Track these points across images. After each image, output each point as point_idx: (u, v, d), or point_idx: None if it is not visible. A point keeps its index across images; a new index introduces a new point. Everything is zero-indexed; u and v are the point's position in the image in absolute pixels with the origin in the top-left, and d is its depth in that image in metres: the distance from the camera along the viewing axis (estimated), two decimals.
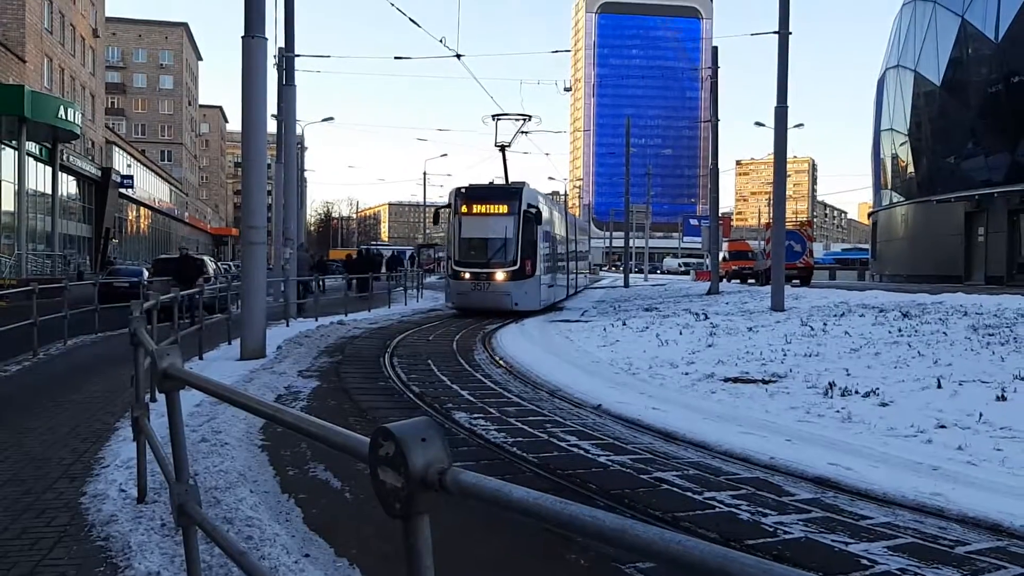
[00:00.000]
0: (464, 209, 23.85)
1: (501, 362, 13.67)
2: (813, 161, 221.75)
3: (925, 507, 5.73)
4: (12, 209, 36.62)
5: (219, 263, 36.30)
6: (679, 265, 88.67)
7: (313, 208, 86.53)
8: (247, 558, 2.88)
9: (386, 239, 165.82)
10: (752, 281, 42.78)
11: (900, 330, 14.52)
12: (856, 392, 9.59)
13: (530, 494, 1.51)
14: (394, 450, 1.73)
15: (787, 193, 23.75)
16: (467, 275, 23.60)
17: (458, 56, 23.37)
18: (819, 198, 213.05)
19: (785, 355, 12.75)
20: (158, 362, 3.49)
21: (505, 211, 23.46)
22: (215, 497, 5.42)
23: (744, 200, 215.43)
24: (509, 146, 26.16)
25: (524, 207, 23.32)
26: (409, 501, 1.72)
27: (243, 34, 12.86)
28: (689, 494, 6.09)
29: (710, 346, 14.39)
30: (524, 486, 1.58)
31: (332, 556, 4.65)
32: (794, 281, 35.03)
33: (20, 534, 5.01)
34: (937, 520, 5.50)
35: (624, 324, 19.32)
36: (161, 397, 7.25)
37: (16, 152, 35.10)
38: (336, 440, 2.06)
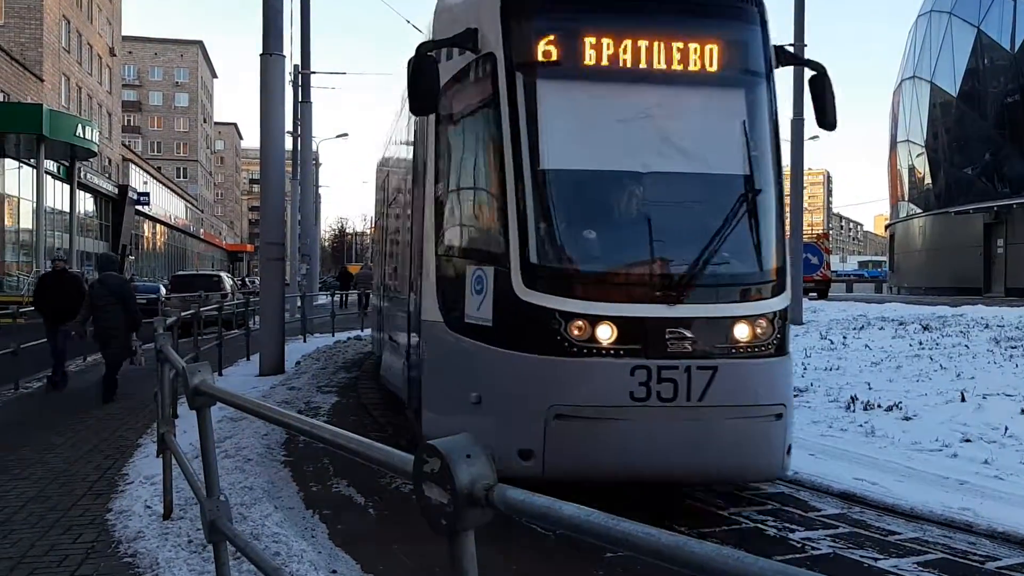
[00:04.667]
0: (566, 55, 5.99)
1: None
2: (828, 173, 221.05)
3: (954, 522, 5.67)
4: (31, 227, 36.91)
5: (235, 279, 36.49)
6: None
7: (327, 223, 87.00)
8: (280, 574, 2.87)
9: None
10: None
11: (921, 343, 14.41)
12: (879, 406, 9.50)
13: (581, 510, 1.51)
14: (439, 466, 1.73)
15: (803, 206, 23.70)
16: (610, 334, 5.54)
17: None
18: (834, 210, 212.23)
19: (805, 369, 12.67)
20: (189, 379, 3.51)
21: (727, 69, 6.20)
22: (241, 513, 5.42)
23: None
24: None
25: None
26: (455, 517, 1.71)
27: (261, 52, 12.96)
28: (713, 509, 6.05)
29: None
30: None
31: (359, 572, 4.64)
32: (811, 294, 34.85)
33: (48, 551, 5.03)
34: (966, 535, 5.44)
35: None
36: (183, 413, 7.30)
37: (34, 170, 35.40)
38: (378, 457, 2.06)
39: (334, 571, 4.61)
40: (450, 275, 6.24)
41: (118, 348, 10.63)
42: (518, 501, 1.63)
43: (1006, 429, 8.10)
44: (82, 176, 43.15)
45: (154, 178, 65.81)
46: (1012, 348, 13.09)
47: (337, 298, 25.46)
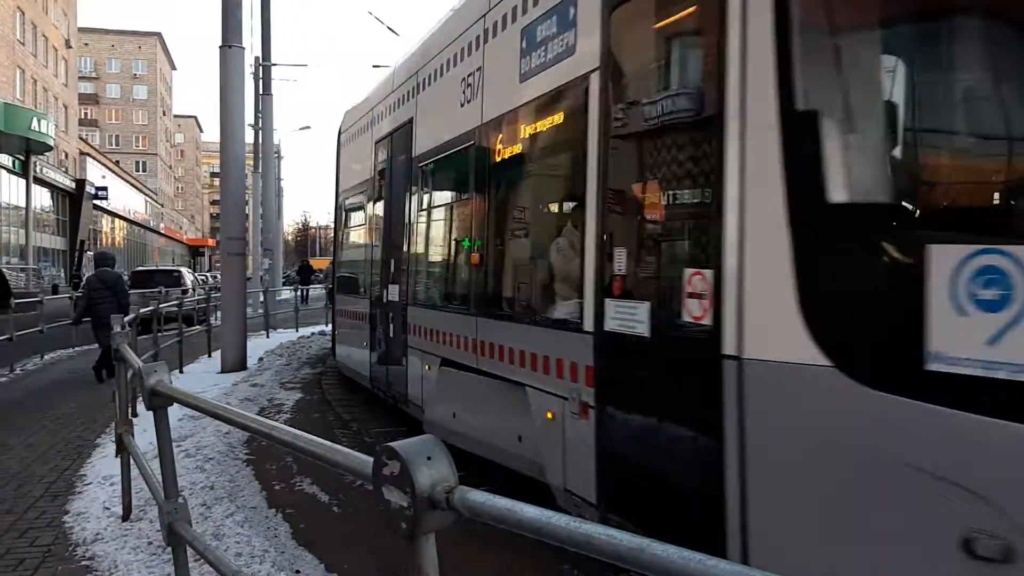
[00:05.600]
0: None
1: None
2: None
3: None
4: None
5: (196, 274, 36.06)
6: None
7: (291, 218, 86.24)
8: None
9: None
10: None
11: None
12: None
13: (543, 513, 1.49)
14: (399, 469, 1.71)
15: None
16: None
17: None
18: None
19: None
20: (145, 379, 3.44)
21: None
22: (202, 514, 5.35)
23: None
24: None
25: None
26: (416, 521, 1.69)
27: (220, 44, 12.78)
28: None
29: None
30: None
31: (323, 572, 4.59)
32: None
33: (3, 555, 4.92)
34: None
35: None
36: (143, 411, 7.20)
37: None
38: (337, 460, 2.03)
39: (297, 571, 4.57)
40: (856, 266, 3.08)
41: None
42: (479, 504, 1.60)
43: None
44: (38, 171, 42.30)
45: (112, 172, 64.69)
46: None
47: (299, 293, 25.20)
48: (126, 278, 25.85)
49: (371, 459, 1.82)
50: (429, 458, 1.70)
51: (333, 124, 11.50)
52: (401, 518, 1.72)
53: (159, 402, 3.45)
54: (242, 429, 2.72)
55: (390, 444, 1.72)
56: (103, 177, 59.70)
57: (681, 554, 1.28)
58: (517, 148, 5.63)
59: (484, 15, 6.28)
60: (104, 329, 11.60)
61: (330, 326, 16.02)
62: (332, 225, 14.61)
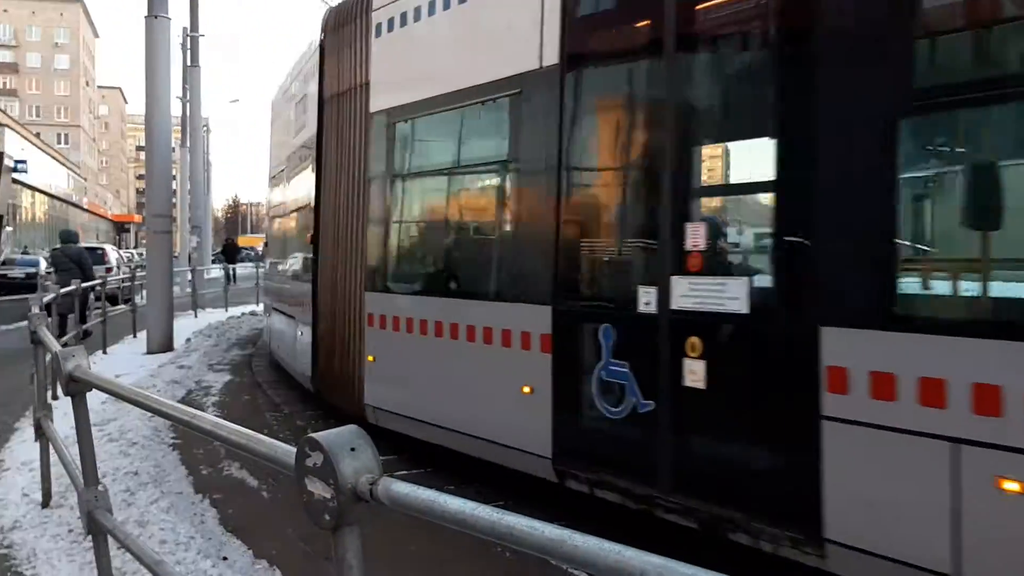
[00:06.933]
0: None
1: None
2: None
3: None
4: None
5: (121, 251, 35.11)
6: None
7: (220, 194, 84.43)
8: (163, 567, 2.78)
9: None
10: None
11: None
12: None
13: (467, 505, 1.49)
14: (322, 460, 1.69)
15: None
16: None
17: None
18: None
19: None
20: (63, 365, 3.34)
21: None
22: (125, 500, 5.24)
23: None
24: None
25: None
26: (339, 513, 1.67)
27: (146, 14, 12.41)
28: None
29: None
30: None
31: (251, 558, 4.53)
32: None
33: None
34: None
35: None
36: (64, 395, 7.00)
37: None
38: (259, 449, 2.00)
39: (224, 557, 4.50)
40: None
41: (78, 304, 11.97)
42: (403, 495, 1.60)
43: None
44: None
45: (33, 144, 62.40)
46: None
47: (227, 273, 24.70)
48: (48, 256, 25.19)
49: (294, 449, 1.79)
50: (353, 449, 1.69)
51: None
52: (324, 510, 1.70)
53: (77, 388, 3.35)
54: (162, 417, 2.66)
55: (313, 435, 1.70)
56: (22, 150, 57.52)
57: (601, 546, 1.29)
58: None
59: None
60: (67, 299, 12.05)
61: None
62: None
